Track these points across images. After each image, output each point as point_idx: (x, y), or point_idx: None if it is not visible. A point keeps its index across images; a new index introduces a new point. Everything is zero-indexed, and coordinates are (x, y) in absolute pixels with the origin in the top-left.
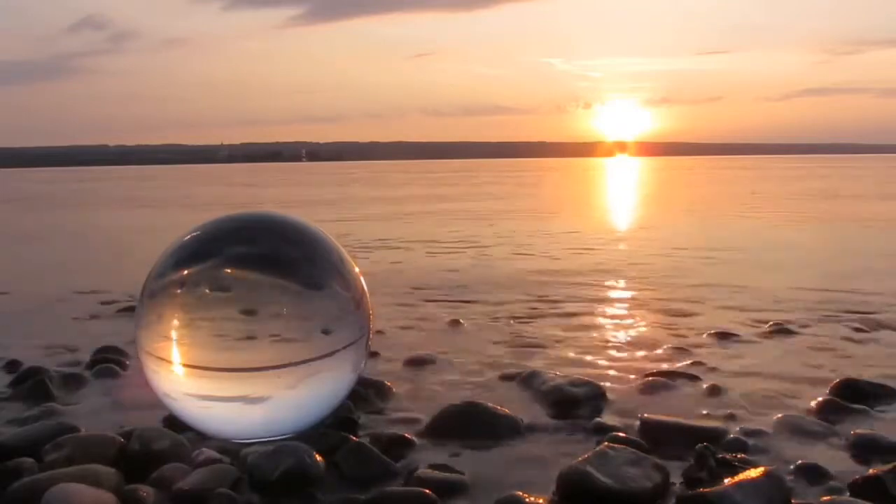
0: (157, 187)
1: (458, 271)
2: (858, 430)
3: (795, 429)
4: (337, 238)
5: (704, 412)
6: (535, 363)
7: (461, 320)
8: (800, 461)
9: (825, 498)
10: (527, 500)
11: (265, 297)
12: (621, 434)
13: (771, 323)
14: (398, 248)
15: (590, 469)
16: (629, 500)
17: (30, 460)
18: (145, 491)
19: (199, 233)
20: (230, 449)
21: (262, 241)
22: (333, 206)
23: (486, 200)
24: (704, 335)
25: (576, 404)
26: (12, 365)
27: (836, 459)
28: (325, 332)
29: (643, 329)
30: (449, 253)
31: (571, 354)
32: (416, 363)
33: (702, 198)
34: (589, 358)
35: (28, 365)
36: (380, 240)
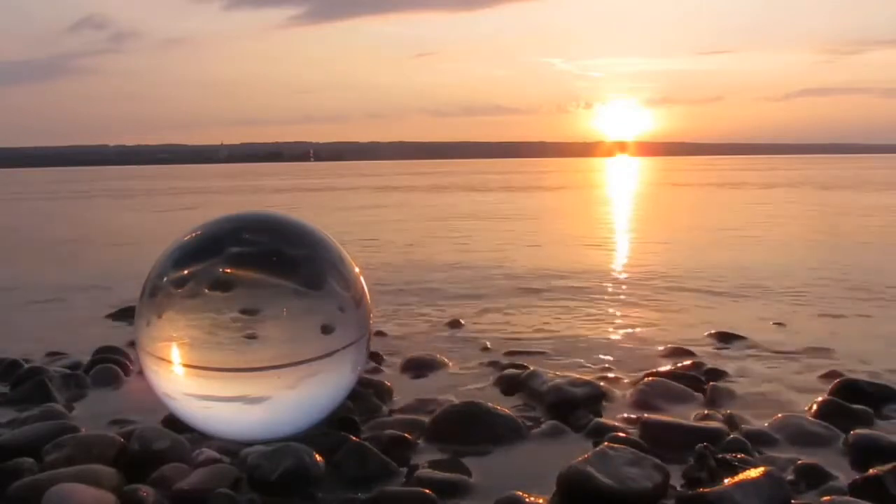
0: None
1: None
2: (858, 431)
3: (795, 429)
4: None
5: (704, 412)
6: (535, 362)
7: (461, 320)
8: (800, 461)
9: (825, 498)
10: (527, 500)
11: (265, 296)
12: (621, 434)
13: (771, 323)
14: None
15: (590, 469)
16: (629, 500)
17: (30, 460)
18: (145, 491)
19: (199, 233)
20: (230, 449)
21: (262, 241)
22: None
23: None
24: (705, 335)
25: (575, 404)
26: (13, 365)
27: (836, 459)
28: (325, 332)
29: (644, 329)
30: None
31: (571, 354)
32: (417, 363)
33: None
34: (589, 358)
35: (28, 365)
36: None
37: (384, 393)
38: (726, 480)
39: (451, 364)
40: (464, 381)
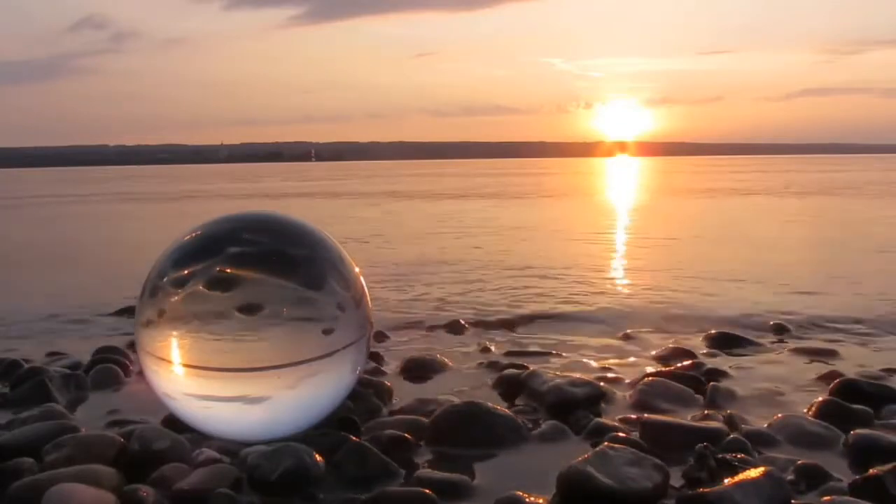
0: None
1: None
2: (858, 431)
3: (795, 429)
4: None
5: (704, 412)
6: (535, 363)
7: (461, 321)
8: (800, 461)
9: (825, 498)
10: (527, 500)
11: (265, 296)
12: (621, 434)
13: (771, 323)
14: None
15: (590, 469)
16: (629, 500)
17: (30, 460)
18: (145, 491)
19: (199, 232)
20: (230, 449)
21: (262, 241)
22: None
23: None
24: (704, 336)
25: (576, 404)
26: (13, 366)
27: (836, 459)
28: (325, 332)
29: (644, 329)
30: None
31: (571, 354)
32: (417, 364)
33: None
34: (589, 358)
35: (28, 366)
36: None
37: (384, 393)
38: (726, 480)
39: (451, 364)
40: (464, 382)
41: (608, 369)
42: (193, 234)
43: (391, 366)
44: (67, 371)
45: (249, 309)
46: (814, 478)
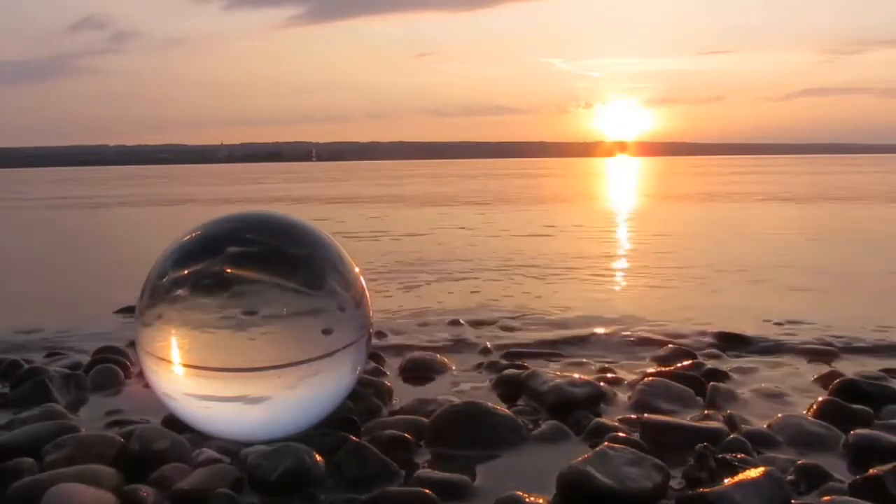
0: None
1: None
2: (858, 431)
3: (795, 429)
4: None
5: (704, 412)
6: (535, 363)
7: (461, 320)
8: (800, 461)
9: (825, 498)
10: (527, 500)
11: (265, 296)
12: (621, 434)
13: (772, 323)
14: None
15: (590, 469)
16: (629, 500)
17: (30, 460)
18: (145, 491)
19: (198, 232)
20: (230, 449)
21: (262, 241)
22: None
23: None
24: (705, 335)
25: (576, 404)
26: (12, 366)
27: (836, 459)
28: (325, 332)
29: (644, 329)
30: None
31: (571, 355)
32: (417, 364)
33: None
34: (589, 358)
35: (28, 366)
36: None
37: (384, 393)
38: (726, 480)
39: (451, 364)
40: (464, 382)
41: (608, 369)
42: (193, 234)
43: (391, 366)
44: (67, 371)
45: (249, 309)
46: (814, 478)
